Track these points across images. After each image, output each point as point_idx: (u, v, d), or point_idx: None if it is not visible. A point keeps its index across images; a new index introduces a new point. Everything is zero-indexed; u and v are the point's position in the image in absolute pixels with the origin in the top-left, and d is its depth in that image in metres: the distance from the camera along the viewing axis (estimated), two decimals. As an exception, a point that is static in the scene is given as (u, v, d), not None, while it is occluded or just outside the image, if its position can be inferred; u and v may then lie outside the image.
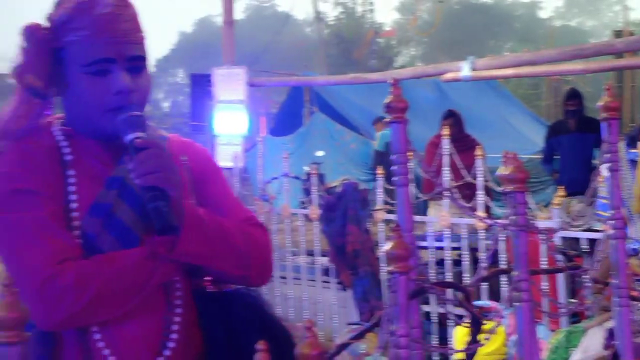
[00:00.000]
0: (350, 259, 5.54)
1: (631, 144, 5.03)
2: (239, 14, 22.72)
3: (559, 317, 4.19)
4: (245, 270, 1.85)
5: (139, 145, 1.69)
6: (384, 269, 5.02)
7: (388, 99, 1.75)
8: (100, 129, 1.77)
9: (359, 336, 3.05)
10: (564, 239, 4.84)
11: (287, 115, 17.12)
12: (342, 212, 5.54)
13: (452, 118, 8.14)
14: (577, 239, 4.82)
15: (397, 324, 1.60)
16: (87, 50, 1.75)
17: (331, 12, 38.48)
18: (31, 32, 1.77)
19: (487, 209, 5.29)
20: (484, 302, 4.36)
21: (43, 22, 1.80)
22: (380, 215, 5.37)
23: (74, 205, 1.74)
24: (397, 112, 1.72)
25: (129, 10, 1.79)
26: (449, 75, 6.03)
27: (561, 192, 4.95)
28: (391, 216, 5.34)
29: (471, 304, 1.83)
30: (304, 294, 5.82)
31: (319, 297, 5.75)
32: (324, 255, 6.00)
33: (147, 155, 1.68)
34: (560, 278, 4.68)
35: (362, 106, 14.70)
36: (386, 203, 5.45)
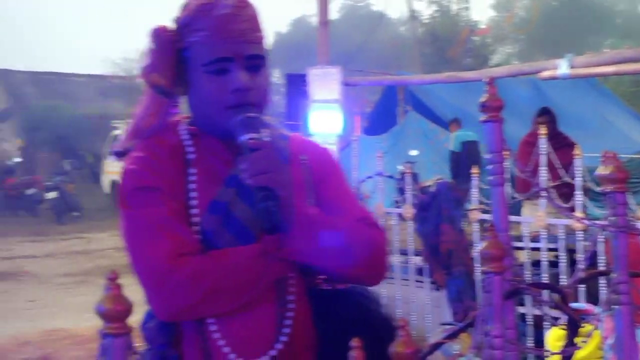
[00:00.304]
0: (444, 259, 5.51)
1: None
2: (333, 13, 22.82)
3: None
4: (358, 269, 1.88)
5: (252, 146, 1.75)
6: (478, 269, 4.97)
7: (483, 98, 1.73)
8: (220, 126, 1.85)
9: (453, 336, 3.01)
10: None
11: (381, 115, 17.12)
12: (436, 212, 5.51)
13: (546, 115, 7.99)
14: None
15: (492, 324, 1.58)
16: (207, 50, 1.83)
17: (425, 11, 38.19)
18: (157, 34, 1.88)
19: (584, 209, 5.18)
20: (580, 304, 4.27)
21: (169, 24, 1.91)
22: (475, 215, 5.31)
23: (194, 202, 1.82)
24: (493, 111, 1.71)
25: (248, 11, 1.86)
26: (546, 74, 5.91)
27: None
28: (486, 216, 5.28)
29: (568, 306, 1.80)
30: (397, 294, 5.82)
31: (413, 296, 5.73)
32: (417, 255, 5.98)
33: (258, 156, 1.73)
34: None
35: (456, 105, 14.57)
36: (481, 203, 5.39)
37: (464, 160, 12.89)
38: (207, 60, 1.83)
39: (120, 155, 1.92)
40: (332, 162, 2.06)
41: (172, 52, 1.87)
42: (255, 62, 1.86)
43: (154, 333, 1.82)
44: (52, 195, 20.05)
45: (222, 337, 1.78)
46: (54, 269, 12.41)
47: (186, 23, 1.86)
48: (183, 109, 1.96)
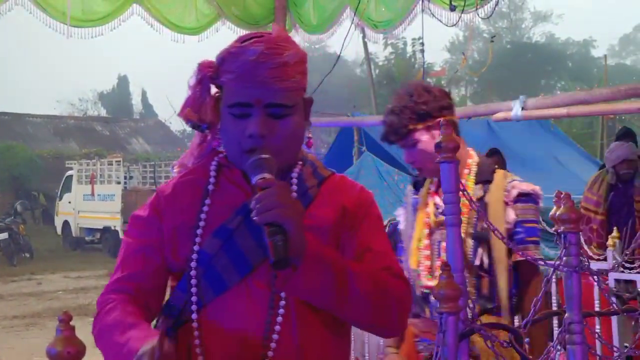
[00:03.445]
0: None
1: None
2: (289, 54, 22.89)
3: (614, 361, 4.09)
4: (372, 318, 1.88)
5: (260, 185, 1.78)
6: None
7: (439, 139, 1.74)
8: (241, 166, 1.93)
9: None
10: (618, 281, 4.74)
11: (337, 155, 17.14)
12: (392, 252, 5.51)
13: (495, 156, 8.08)
14: (632, 282, 4.72)
15: (447, 365, 1.57)
16: (231, 93, 1.91)
17: (381, 53, 38.68)
18: (200, 68, 1.97)
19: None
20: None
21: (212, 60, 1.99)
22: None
23: (200, 226, 1.91)
24: (448, 152, 1.72)
25: (279, 58, 1.88)
26: (499, 115, 6.00)
27: (615, 233, 4.86)
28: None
29: (522, 346, 1.80)
30: (352, 334, 5.78)
31: (366, 337, 5.70)
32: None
33: (266, 194, 1.75)
34: (615, 321, 4.58)
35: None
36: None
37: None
38: (230, 102, 1.90)
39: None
40: (370, 208, 2.05)
41: (209, 87, 1.96)
42: (277, 110, 1.89)
43: None
44: (2, 236, 19.75)
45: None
46: (3, 311, 12.17)
47: (219, 63, 1.94)
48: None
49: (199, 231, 1.90)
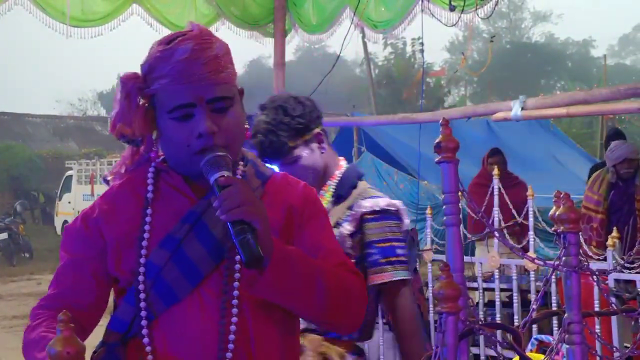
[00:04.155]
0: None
1: None
2: (289, 55, 22.96)
3: (613, 361, 4.09)
4: (333, 314, 1.86)
5: (222, 183, 1.74)
6: (432, 310, 4.97)
7: (438, 139, 1.74)
8: (191, 170, 1.85)
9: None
10: (618, 281, 4.75)
11: (336, 155, 17.15)
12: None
13: (497, 156, 8.11)
14: (632, 282, 4.73)
15: (446, 365, 1.57)
16: (168, 98, 1.83)
17: (381, 53, 38.67)
18: (124, 82, 1.88)
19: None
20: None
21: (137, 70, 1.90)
22: (429, 255, 5.33)
23: (145, 237, 1.83)
24: (448, 152, 1.72)
25: (209, 52, 1.83)
26: (499, 115, 6.00)
27: (615, 233, 4.86)
28: (440, 256, 5.30)
29: (521, 346, 1.80)
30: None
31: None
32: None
33: (230, 191, 1.71)
34: (614, 321, 4.59)
35: (411, 146, 14.69)
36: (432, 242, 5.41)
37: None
38: (170, 107, 1.82)
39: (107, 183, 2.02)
40: (315, 204, 2.03)
41: (139, 99, 1.87)
42: (220, 103, 1.84)
43: None
44: (2, 236, 19.74)
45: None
46: (2, 311, 12.16)
47: (148, 71, 1.86)
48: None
49: (144, 242, 1.83)
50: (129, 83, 1.87)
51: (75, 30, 6.81)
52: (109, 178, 2.01)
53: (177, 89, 1.80)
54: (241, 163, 1.96)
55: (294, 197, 1.97)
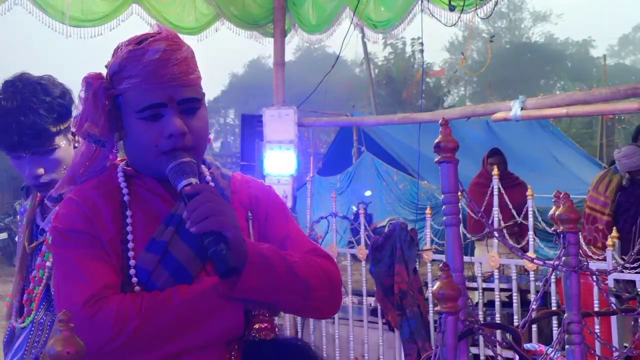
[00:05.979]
0: (397, 300, 5.50)
1: None
2: (289, 55, 22.95)
3: (613, 361, 4.09)
4: (314, 301, 1.87)
5: (189, 192, 1.72)
6: (432, 310, 4.97)
7: (438, 139, 1.74)
8: (158, 171, 1.83)
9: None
10: (617, 281, 4.75)
11: (336, 155, 17.18)
12: (390, 252, 5.50)
13: (497, 156, 8.11)
14: (632, 282, 4.73)
15: (446, 365, 1.57)
16: (139, 97, 1.81)
17: (380, 53, 38.68)
18: (89, 82, 1.86)
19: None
20: (532, 345, 4.28)
21: (102, 71, 1.88)
22: (429, 255, 5.33)
23: (130, 244, 1.80)
24: (447, 152, 1.72)
25: (180, 54, 1.83)
26: (498, 115, 6.00)
27: (614, 233, 4.86)
28: (440, 256, 5.30)
29: (521, 347, 1.80)
30: (351, 334, 5.78)
31: (366, 337, 5.70)
32: (371, 295, 5.96)
33: (197, 201, 1.70)
34: (614, 321, 4.59)
35: (410, 146, 14.70)
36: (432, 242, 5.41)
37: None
38: (139, 107, 1.81)
39: (55, 200, 1.93)
40: (275, 198, 2.05)
41: (105, 99, 1.85)
42: (190, 105, 1.84)
43: None
44: (1, 236, 19.73)
45: None
46: (2, 311, 12.14)
47: (117, 70, 1.84)
48: (121, 152, 1.95)
49: (129, 245, 1.80)
50: (95, 83, 1.85)
51: (74, 30, 6.81)
52: (65, 186, 1.92)
53: (148, 88, 1.80)
54: (203, 166, 1.97)
55: (255, 192, 2.01)
